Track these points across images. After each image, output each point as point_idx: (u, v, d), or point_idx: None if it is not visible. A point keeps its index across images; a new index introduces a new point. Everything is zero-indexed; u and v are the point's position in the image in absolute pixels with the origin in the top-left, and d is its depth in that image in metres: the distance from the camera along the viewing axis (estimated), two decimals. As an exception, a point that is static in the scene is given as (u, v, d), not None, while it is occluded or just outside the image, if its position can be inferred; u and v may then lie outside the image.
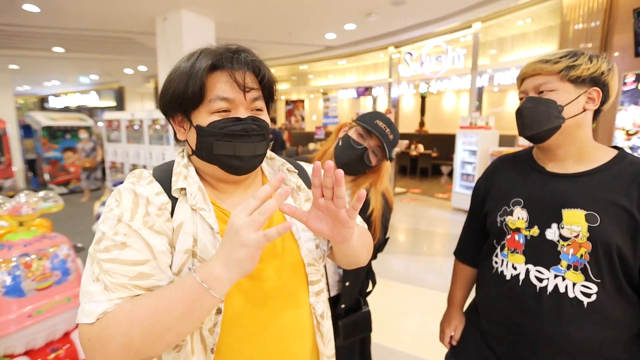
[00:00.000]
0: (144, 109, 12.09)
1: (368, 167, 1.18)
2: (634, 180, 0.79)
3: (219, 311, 0.60)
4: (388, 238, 1.30)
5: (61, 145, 7.33)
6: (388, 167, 1.22)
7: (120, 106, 15.36)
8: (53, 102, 19.07)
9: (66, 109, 17.62)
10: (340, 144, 1.19)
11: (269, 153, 0.78)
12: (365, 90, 11.02)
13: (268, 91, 0.69)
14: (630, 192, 0.78)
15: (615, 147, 0.88)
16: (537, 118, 0.86)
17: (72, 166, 7.50)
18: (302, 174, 0.79)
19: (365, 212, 1.14)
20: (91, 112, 16.26)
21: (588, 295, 0.80)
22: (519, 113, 0.90)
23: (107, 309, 0.53)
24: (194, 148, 0.65)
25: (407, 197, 7.32)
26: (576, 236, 0.81)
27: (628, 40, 4.31)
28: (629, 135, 4.17)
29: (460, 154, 6.13)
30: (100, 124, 7.45)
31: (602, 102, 0.85)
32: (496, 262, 0.95)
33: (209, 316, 0.60)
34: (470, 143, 5.96)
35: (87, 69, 12.65)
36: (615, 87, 0.86)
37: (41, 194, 1.98)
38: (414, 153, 9.66)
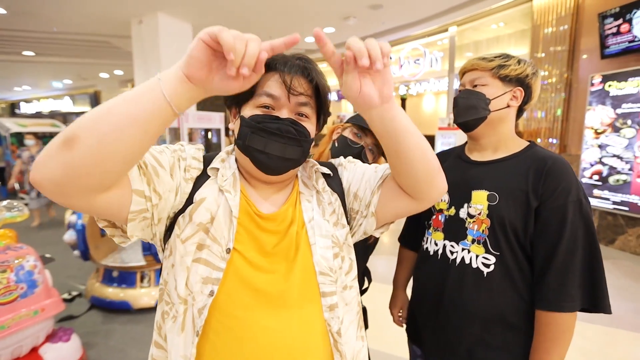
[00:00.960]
0: (121, 114, 11.77)
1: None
2: (531, 166, 0.89)
3: (211, 293, 0.60)
4: (378, 238, 1.31)
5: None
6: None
7: (96, 111, 14.90)
8: (24, 108, 18.33)
9: (38, 115, 16.97)
10: (336, 144, 1.23)
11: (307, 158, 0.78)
12: (347, 93, 11.10)
13: (320, 100, 0.69)
14: (527, 176, 0.89)
15: (530, 142, 0.98)
16: (468, 108, 0.97)
17: (17, 179, 6.14)
18: (335, 177, 0.79)
19: None
20: (65, 117, 15.73)
21: (487, 266, 0.90)
22: (455, 102, 1.00)
23: None
24: (236, 137, 0.68)
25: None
26: (479, 214, 0.92)
27: (594, 43, 4.50)
28: (597, 134, 4.35)
29: (439, 154, 6.24)
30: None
31: (525, 102, 0.97)
32: (424, 241, 1.07)
33: (201, 296, 0.59)
34: (449, 144, 6.09)
35: (61, 74, 12.24)
36: (537, 91, 0.97)
37: (4, 203, 1.88)
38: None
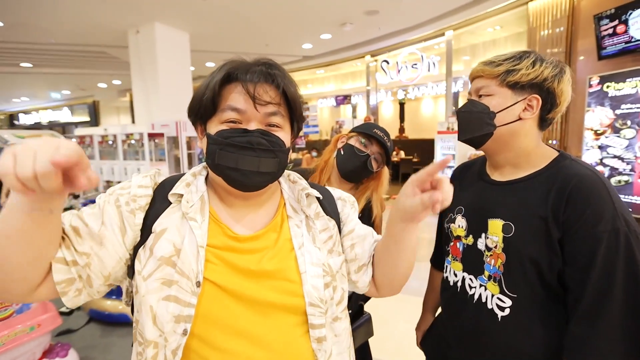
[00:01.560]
0: (120, 123, 11.80)
1: (370, 173, 1.25)
2: (553, 187, 0.73)
3: (184, 332, 0.55)
4: None
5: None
6: (387, 173, 1.30)
7: (95, 121, 14.94)
8: (23, 119, 18.36)
9: (37, 126, 16.98)
10: (342, 152, 1.25)
11: (293, 176, 0.74)
12: (345, 99, 11.13)
13: (291, 108, 0.64)
14: (548, 200, 0.73)
15: (560, 153, 0.81)
16: (470, 123, 0.84)
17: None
18: (326, 199, 0.74)
19: (370, 218, 1.22)
20: (64, 128, 15.75)
21: (502, 309, 0.77)
22: (457, 116, 0.89)
23: None
24: (205, 156, 0.64)
25: (390, 203, 7.37)
26: (495, 247, 0.79)
27: (591, 44, 4.52)
28: (597, 135, 4.34)
29: (439, 158, 6.23)
30: (73, 140, 7.14)
31: (550, 110, 0.80)
32: (445, 268, 0.95)
33: (174, 336, 0.55)
34: (448, 147, 6.08)
35: (59, 84, 12.28)
36: (566, 93, 0.79)
37: (0, 216, 1.85)
38: (395, 159, 9.78)
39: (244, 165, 0.59)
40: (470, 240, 0.86)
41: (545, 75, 0.77)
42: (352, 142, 1.24)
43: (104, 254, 0.57)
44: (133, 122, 7.37)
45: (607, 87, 4.17)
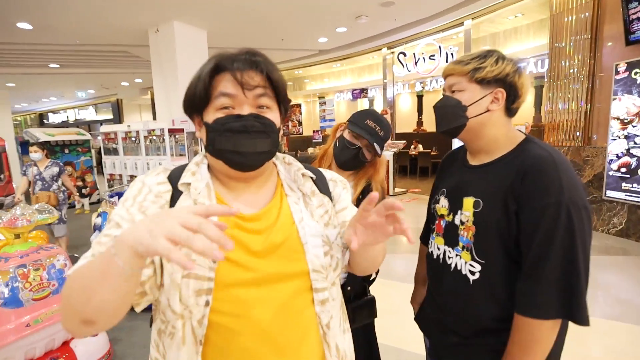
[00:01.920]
0: (142, 120, 12.16)
1: (363, 163, 1.29)
2: (514, 166, 0.85)
3: (207, 303, 0.61)
4: None
5: (60, 160, 7.37)
6: (383, 160, 1.34)
7: (118, 119, 15.46)
8: (52, 118, 19.21)
9: (65, 124, 17.72)
10: (337, 144, 1.29)
11: (288, 158, 0.80)
12: (361, 92, 11.07)
13: (276, 90, 0.69)
14: (508, 178, 0.84)
15: (525, 137, 0.92)
16: (445, 116, 0.95)
17: (71, 180, 7.44)
18: (319, 179, 0.80)
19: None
20: (89, 126, 16.38)
21: (473, 274, 0.90)
22: (434, 110, 0.99)
23: (80, 266, 0.58)
24: (205, 144, 0.69)
25: (407, 196, 7.33)
26: (467, 221, 0.91)
27: (618, 29, 4.33)
28: (624, 124, 4.18)
29: (457, 150, 6.13)
30: (98, 137, 7.42)
31: (514, 101, 0.90)
32: (430, 244, 1.07)
33: (197, 308, 0.61)
34: (466, 139, 5.97)
35: (84, 84, 12.76)
36: (525, 86, 0.91)
37: (36, 206, 1.99)
38: (413, 152, 9.67)
39: (242, 147, 0.65)
40: (450, 217, 0.98)
41: (507, 71, 0.88)
42: (345, 134, 1.27)
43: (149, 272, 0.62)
44: (154, 119, 7.60)
45: (636, 73, 4.00)
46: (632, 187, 4.09)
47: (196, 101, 0.67)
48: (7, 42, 6.75)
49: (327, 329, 0.69)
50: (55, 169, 4.17)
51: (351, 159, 1.26)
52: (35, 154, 4.09)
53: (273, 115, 0.69)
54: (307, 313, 0.68)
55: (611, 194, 4.31)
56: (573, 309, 0.77)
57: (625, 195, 4.14)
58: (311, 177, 0.78)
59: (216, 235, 0.45)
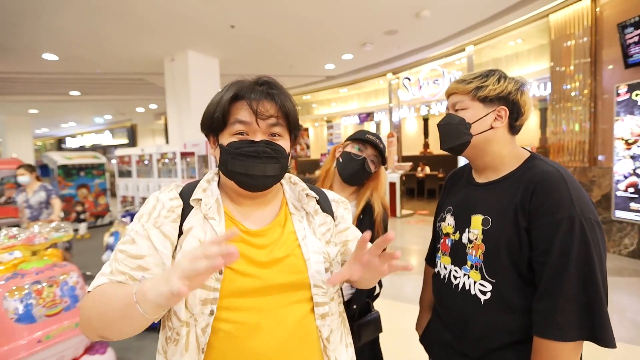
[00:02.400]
0: (155, 144, 12.52)
1: (369, 175, 1.35)
2: (522, 182, 0.85)
3: (211, 312, 0.65)
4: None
5: (75, 183, 7.62)
6: (384, 173, 1.41)
7: (132, 143, 15.95)
8: (69, 143, 19.90)
9: (81, 148, 18.32)
10: (340, 160, 1.35)
11: (294, 179, 0.85)
12: (368, 116, 11.28)
13: (289, 120, 0.74)
14: (517, 193, 0.84)
15: (531, 155, 0.92)
16: (449, 134, 0.95)
17: (85, 202, 7.71)
18: (323, 199, 0.85)
19: (371, 216, 1.32)
20: (105, 150, 16.89)
21: (484, 293, 0.87)
22: (438, 128, 1.00)
23: (99, 284, 0.64)
24: (218, 164, 0.75)
25: (415, 218, 7.30)
26: (475, 239, 0.89)
27: (617, 53, 4.42)
28: (628, 144, 4.18)
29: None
30: (113, 160, 7.69)
31: (517, 118, 0.91)
32: (436, 263, 1.05)
33: (202, 316, 0.65)
34: (472, 161, 5.99)
35: (102, 110, 13.31)
36: (528, 104, 0.91)
37: (53, 224, 2.10)
38: (420, 175, 9.71)
39: (252, 170, 0.70)
40: (457, 236, 0.96)
41: (509, 89, 0.89)
42: (349, 149, 1.35)
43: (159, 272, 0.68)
44: (167, 143, 7.88)
45: (637, 95, 4.05)
46: (640, 207, 4.04)
47: (213, 124, 0.73)
48: (33, 71, 7.19)
49: (327, 342, 0.73)
50: (43, 194, 3.60)
51: (357, 171, 1.32)
52: (22, 177, 3.49)
53: (284, 142, 0.74)
54: (309, 325, 0.71)
55: (620, 214, 4.25)
56: (596, 330, 0.73)
57: (635, 215, 4.09)
58: (315, 197, 0.82)
59: (220, 259, 0.50)
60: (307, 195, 0.81)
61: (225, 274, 0.67)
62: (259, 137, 0.71)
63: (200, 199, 0.73)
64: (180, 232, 0.71)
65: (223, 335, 0.65)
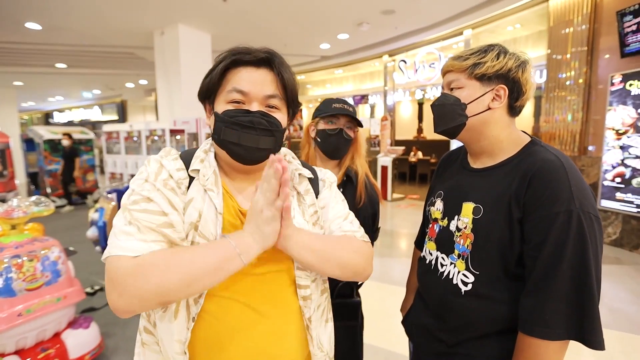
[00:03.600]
0: (145, 121, 12.29)
1: (350, 142, 1.32)
2: (519, 171, 0.79)
3: None
4: (379, 228, 1.38)
5: (62, 158, 7.47)
6: (362, 135, 1.37)
7: (122, 119, 15.61)
8: (57, 117, 19.41)
9: (70, 124, 17.91)
10: (319, 139, 1.32)
11: (289, 156, 0.83)
12: (362, 98, 11.15)
13: (288, 93, 0.73)
14: (513, 182, 0.78)
15: (531, 140, 0.86)
16: (444, 115, 0.88)
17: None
18: (315, 179, 0.84)
19: (355, 180, 1.30)
20: (94, 125, 16.54)
21: (465, 284, 0.84)
22: (432, 109, 0.93)
23: (144, 250, 0.60)
24: (212, 132, 0.73)
25: (405, 202, 7.35)
26: (465, 227, 0.85)
27: (614, 42, 4.38)
28: (619, 134, 4.21)
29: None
30: (102, 137, 7.52)
31: (517, 98, 0.84)
32: (423, 248, 1.02)
33: None
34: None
35: (90, 84, 12.94)
36: (529, 82, 0.84)
37: (33, 198, 2.05)
38: (412, 159, 9.72)
39: (245, 141, 0.68)
40: (445, 222, 0.92)
41: (510, 66, 0.81)
42: (321, 126, 1.31)
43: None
44: (157, 120, 7.72)
45: (630, 85, 4.04)
46: (626, 197, 4.11)
47: (210, 91, 0.71)
48: (16, 41, 6.90)
49: (309, 322, 0.74)
50: None
51: (338, 144, 1.29)
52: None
53: (280, 115, 0.72)
54: (292, 304, 0.73)
55: (606, 203, 4.33)
56: (585, 331, 0.69)
57: (620, 205, 4.16)
58: (307, 177, 0.81)
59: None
60: (300, 174, 0.80)
61: None
62: (255, 108, 0.69)
63: (199, 170, 0.71)
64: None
65: (212, 308, 0.66)
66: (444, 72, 0.90)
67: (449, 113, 0.87)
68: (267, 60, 0.70)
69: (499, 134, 0.85)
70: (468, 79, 0.84)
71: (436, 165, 1.11)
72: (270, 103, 0.71)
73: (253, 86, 0.69)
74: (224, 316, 0.67)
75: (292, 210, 0.75)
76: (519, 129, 0.91)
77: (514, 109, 0.86)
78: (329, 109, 1.29)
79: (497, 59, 0.82)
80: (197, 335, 0.66)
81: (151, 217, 0.63)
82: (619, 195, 4.18)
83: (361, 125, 1.34)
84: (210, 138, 0.76)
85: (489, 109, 0.84)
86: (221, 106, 0.70)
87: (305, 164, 0.85)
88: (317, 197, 0.82)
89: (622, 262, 3.89)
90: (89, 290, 2.93)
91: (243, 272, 0.67)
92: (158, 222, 0.63)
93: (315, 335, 0.75)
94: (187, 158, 0.74)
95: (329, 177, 0.89)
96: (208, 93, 0.72)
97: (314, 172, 0.85)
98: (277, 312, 0.70)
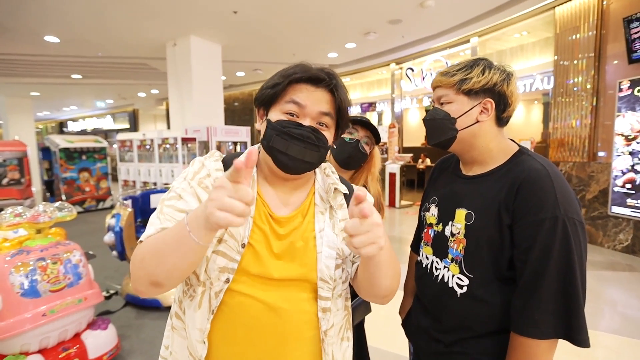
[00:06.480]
0: (156, 129, 12.56)
1: (365, 156, 1.34)
2: (508, 179, 0.83)
3: (227, 280, 0.69)
4: None
5: (77, 166, 7.65)
6: (378, 152, 1.40)
7: (134, 128, 15.94)
8: (71, 126, 19.90)
9: (83, 132, 18.33)
10: (334, 147, 1.31)
11: (328, 170, 0.85)
12: (370, 106, 11.23)
13: (340, 114, 0.76)
14: (502, 190, 0.82)
15: (519, 148, 0.90)
16: (435, 129, 0.93)
17: (87, 186, 7.78)
18: (351, 195, 0.83)
19: None
20: (106, 134, 16.90)
21: (461, 287, 0.87)
22: (424, 123, 0.98)
23: (150, 234, 0.67)
24: (261, 138, 0.76)
25: (413, 209, 7.35)
26: (458, 233, 0.89)
27: (621, 48, 4.40)
28: (628, 140, 4.19)
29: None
30: (114, 145, 7.70)
31: (504, 110, 0.88)
32: (419, 252, 1.06)
33: (218, 282, 0.69)
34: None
35: (103, 94, 13.28)
36: (515, 94, 0.88)
37: (57, 204, 2.15)
38: (420, 166, 9.72)
39: (292, 152, 0.71)
40: (440, 227, 0.96)
41: (495, 80, 0.86)
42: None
43: None
44: (168, 128, 7.89)
45: (638, 91, 4.04)
46: (637, 203, 4.08)
47: (267, 98, 0.75)
48: (35, 53, 7.16)
49: (325, 335, 0.75)
50: None
51: (353, 155, 1.31)
52: None
53: (328, 133, 0.76)
54: (311, 313, 0.74)
55: (616, 209, 4.29)
56: (572, 330, 0.74)
57: (631, 211, 4.12)
58: (343, 193, 0.83)
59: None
60: (335, 189, 0.81)
61: (246, 251, 0.71)
62: (307, 122, 0.72)
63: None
64: None
65: (232, 304, 0.70)
66: (434, 87, 0.95)
67: (440, 127, 0.92)
68: (327, 82, 0.73)
69: (488, 144, 0.90)
70: (456, 94, 0.89)
71: (432, 170, 1.15)
72: (321, 120, 0.74)
73: (309, 101, 0.72)
74: (242, 313, 0.70)
75: (322, 223, 0.77)
76: (528, 135, 0.94)
77: (501, 120, 0.90)
78: (351, 118, 1.33)
79: (483, 74, 0.86)
80: (216, 327, 0.70)
81: (175, 213, 0.69)
82: (629, 201, 4.15)
83: (379, 142, 1.37)
84: (259, 144, 0.78)
85: (478, 121, 0.88)
86: (275, 115, 0.73)
87: (343, 180, 0.88)
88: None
89: (634, 269, 3.84)
90: (104, 294, 3.01)
91: (265, 276, 0.71)
92: (179, 217, 0.68)
93: (330, 351, 0.76)
94: (228, 161, 0.79)
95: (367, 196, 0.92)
96: (266, 100, 0.75)
97: (350, 188, 0.87)
98: (294, 317, 0.72)
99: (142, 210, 3.36)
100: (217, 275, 0.69)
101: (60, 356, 1.90)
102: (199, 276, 0.70)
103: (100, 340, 2.09)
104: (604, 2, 4.67)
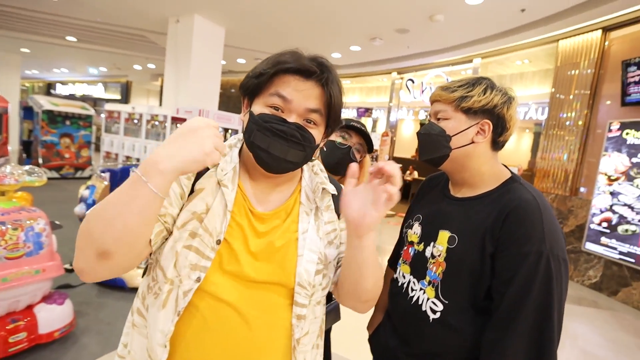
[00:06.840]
0: (148, 105, 12.27)
1: (355, 162, 1.28)
2: (497, 206, 0.80)
3: (198, 279, 0.63)
4: None
5: (59, 131, 7.36)
6: (368, 161, 1.36)
7: (125, 100, 15.53)
8: (60, 89, 19.25)
9: (71, 97, 17.76)
10: (324, 149, 1.28)
11: (317, 168, 0.80)
12: (366, 111, 11.24)
13: (330, 111, 0.69)
14: (490, 217, 0.79)
15: (512, 176, 0.87)
16: (429, 144, 0.89)
17: (67, 152, 7.51)
18: (339, 196, 0.77)
19: None
20: (95, 102, 16.42)
21: (434, 312, 0.84)
22: (417, 136, 0.94)
23: None
24: (243, 130, 0.70)
25: (395, 220, 7.39)
26: (439, 255, 0.85)
27: (616, 89, 4.50)
28: (610, 180, 4.29)
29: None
30: (102, 114, 7.46)
31: (501, 133, 0.85)
32: (396, 269, 1.01)
33: (187, 280, 0.62)
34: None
35: (97, 61, 12.88)
36: (514, 118, 0.85)
37: (27, 167, 2.03)
38: (408, 178, 9.78)
39: (274, 150, 0.65)
40: (421, 247, 0.92)
41: (496, 102, 0.83)
42: (333, 137, 1.28)
43: (171, 211, 0.65)
44: (160, 106, 7.69)
45: (627, 133, 4.14)
46: (610, 242, 4.18)
47: (252, 88, 0.68)
48: (30, 8, 6.87)
49: (297, 343, 0.69)
50: None
51: (342, 160, 1.26)
52: None
53: (317, 132, 0.69)
54: (284, 320, 0.69)
55: (590, 246, 4.39)
56: None
57: (603, 249, 4.22)
58: (331, 194, 0.77)
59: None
60: (323, 189, 0.76)
61: (221, 248, 0.65)
62: (292, 119, 0.66)
63: (218, 164, 0.69)
64: (192, 191, 0.68)
65: (199, 307, 0.64)
66: (432, 101, 0.91)
67: (434, 143, 0.88)
68: (319, 74, 0.66)
69: (481, 167, 0.87)
70: (455, 111, 0.85)
71: (419, 188, 1.11)
72: (309, 117, 0.67)
73: (296, 96, 0.65)
74: (211, 317, 0.64)
75: (306, 224, 0.72)
76: (515, 162, 0.91)
77: (497, 144, 0.87)
78: (346, 123, 1.28)
79: (484, 94, 0.83)
80: (180, 330, 0.64)
81: None
82: (603, 239, 4.25)
83: (371, 151, 1.33)
84: (241, 133, 0.74)
85: (473, 142, 0.85)
86: (259, 107, 0.67)
87: (332, 180, 0.81)
88: (339, 217, 0.77)
89: (599, 305, 3.94)
90: (67, 266, 2.89)
91: (240, 276, 0.65)
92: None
93: (301, 358, 0.71)
94: None
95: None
96: (250, 90, 0.69)
97: (339, 188, 0.79)
98: (266, 325, 0.67)
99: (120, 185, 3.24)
100: (187, 272, 0.62)
101: (7, 327, 1.79)
102: (166, 272, 0.63)
103: (54, 315, 1.99)
104: (606, 43, 4.77)
